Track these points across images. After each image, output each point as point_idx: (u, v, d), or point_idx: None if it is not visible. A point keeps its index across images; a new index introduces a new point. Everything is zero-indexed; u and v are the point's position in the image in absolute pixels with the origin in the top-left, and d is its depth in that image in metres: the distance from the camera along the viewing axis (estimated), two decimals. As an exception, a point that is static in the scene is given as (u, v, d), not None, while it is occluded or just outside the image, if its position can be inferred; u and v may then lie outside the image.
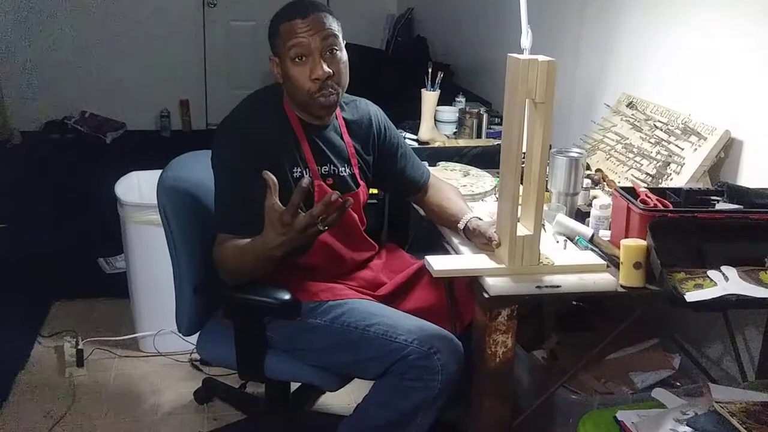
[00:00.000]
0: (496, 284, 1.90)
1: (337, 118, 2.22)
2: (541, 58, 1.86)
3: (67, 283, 3.73)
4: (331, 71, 2.03)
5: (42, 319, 3.42)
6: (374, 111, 2.33)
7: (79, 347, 3.05)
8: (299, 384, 2.55)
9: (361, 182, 2.25)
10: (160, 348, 3.16)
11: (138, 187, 3.27)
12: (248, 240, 1.94)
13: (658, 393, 2.04)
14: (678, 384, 2.29)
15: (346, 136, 2.22)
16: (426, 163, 2.52)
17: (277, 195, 1.81)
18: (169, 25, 6.61)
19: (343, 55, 2.09)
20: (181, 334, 2.33)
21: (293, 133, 2.11)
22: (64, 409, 2.79)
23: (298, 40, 2.01)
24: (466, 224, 2.14)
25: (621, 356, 2.42)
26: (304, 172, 2.09)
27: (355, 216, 2.23)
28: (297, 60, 2.03)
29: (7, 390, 2.89)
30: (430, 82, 3.32)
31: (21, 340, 3.24)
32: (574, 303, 2.60)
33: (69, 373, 3.00)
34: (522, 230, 1.96)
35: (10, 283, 3.69)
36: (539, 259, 1.97)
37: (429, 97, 3.33)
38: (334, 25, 2.06)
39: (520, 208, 1.99)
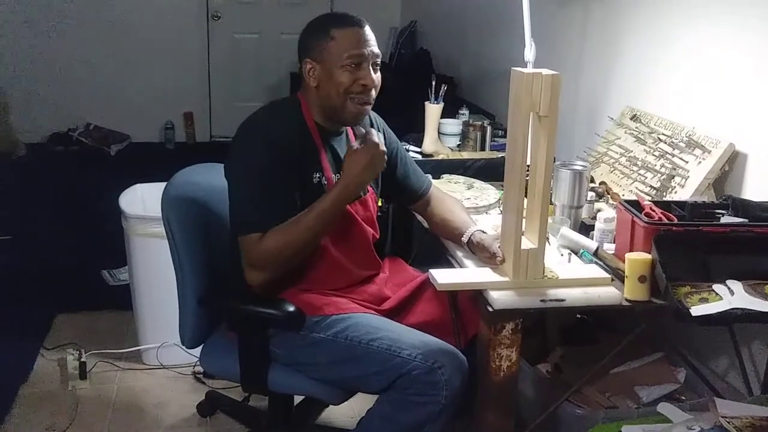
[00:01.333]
0: (500, 298, 1.90)
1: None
2: (545, 71, 1.86)
3: (71, 296, 3.72)
4: (377, 83, 2.11)
5: (45, 331, 3.41)
6: (373, 116, 2.34)
7: (82, 360, 3.04)
8: (302, 397, 2.54)
9: (370, 189, 2.25)
10: (164, 361, 3.15)
11: (142, 200, 3.27)
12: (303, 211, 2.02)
13: (664, 407, 2.04)
14: (683, 398, 2.29)
15: (355, 143, 2.22)
16: (429, 176, 2.52)
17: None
18: (173, 38, 6.63)
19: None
20: (184, 347, 2.32)
21: (311, 138, 2.12)
22: (67, 422, 2.78)
23: (359, 50, 2.06)
24: (470, 238, 2.14)
25: (625, 370, 2.42)
26: (322, 177, 2.11)
27: (367, 229, 2.23)
28: (349, 66, 2.06)
29: (9, 402, 2.88)
30: (433, 95, 3.32)
31: (24, 352, 3.23)
32: (578, 316, 2.60)
33: (72, 386, 2.99)
34: (526, 243, 1.96)
35: (14, 295, 3.69)
36: (544, 273, 1.97)
37: (432, 110, 3.33)
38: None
39: (524, 221, 1.99)
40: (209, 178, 2.34)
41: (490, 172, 3.03)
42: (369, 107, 2.13)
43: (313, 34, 2.11)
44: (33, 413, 2.84)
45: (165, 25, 6.58)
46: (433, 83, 3.31)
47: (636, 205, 2.12)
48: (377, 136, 2.05)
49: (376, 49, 2.10)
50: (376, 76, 2.11)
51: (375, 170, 2.06)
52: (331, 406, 2.55)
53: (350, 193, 2.04)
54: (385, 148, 2.06)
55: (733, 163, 2.43)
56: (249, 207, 2.03)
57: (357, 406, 2.43)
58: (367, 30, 2.11)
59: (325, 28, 2.09)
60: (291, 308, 2.03)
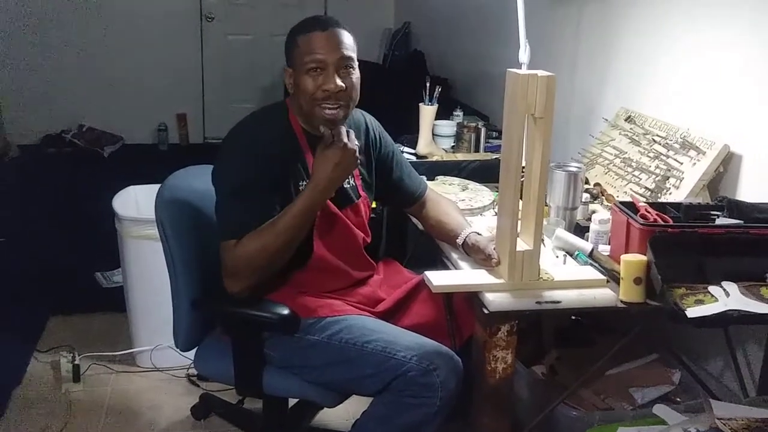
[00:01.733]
0: (495, 300, 1.89)
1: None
2: (540, 73, 1.86)
3: (64, 298, 3.71)
4: (343, 86, 2.05)
5: (39, 334, 3.39)
6: (369, 120, 2.33)
7: (76, 362, 3.03)
8: (297, 400, 2.53)
9: (363, 194, 2.25)
10: (158, 363, 3.14)
11: (135, 202, 3.26)
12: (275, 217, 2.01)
13: (660, 409, 2.03)
14: (678, 400, 2.29)
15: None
16: (424, 177, 2.51)
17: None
18: (167, 39, 6.62)
19: (357, 73, 2.11)
20: (178, 350, 2.31)
21: (298, 145, 2.12)
22: (61, 425, 2.77)
23: (316, 55, 2.03)
24: (464, 239, 2.13)
25: (621, 372, 2.41)
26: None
27: (358, 233, 2.23)
28: (312, 72, 2.04)
29: (3, 405, 2.87)
30: (428, 96, 3.32)
31: (17, 355, 3.22)
32: (573, 318, 2.59)
33: (65, 389, 2.99)
34: (522, 245, 1.96)
35: (7, 298, 3.66)
36: (539, 275, 1.96)
37: (427, 111, 3.33)
38: (351, 43, 2.09)
39: (519, 223, 1.99)
40: (203, 180, 2.32)
41: (485, 173, 3.02)
42: (341, 111, 2.07)
43: (287, 41, 2.12)
44: (26, 416, 2.83)
45: (158, 26, 6.58)
46: (428, 84, 3.31)
47: (631, 206, 2.12)
48: (346, 135, 2.02)
49: (344, 52, 2.05)
50: (346, 80, 2.06)
51: (345, 171, 2.03)
52: (325, 408, 2.54)
53: (321, 195, 2.00)
54: (355, 147, 2.01)
55: (727, 164, 2.43)
56: (228, 214, 2.04)
57: (352, 408, 2.43)
58: (334, 33, 2.05)
59: (294, 34, 2.10)
60: (285, 311, 2.02)
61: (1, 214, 4.69)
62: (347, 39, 2.08)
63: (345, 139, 2.00)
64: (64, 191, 5.27)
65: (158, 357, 3.12)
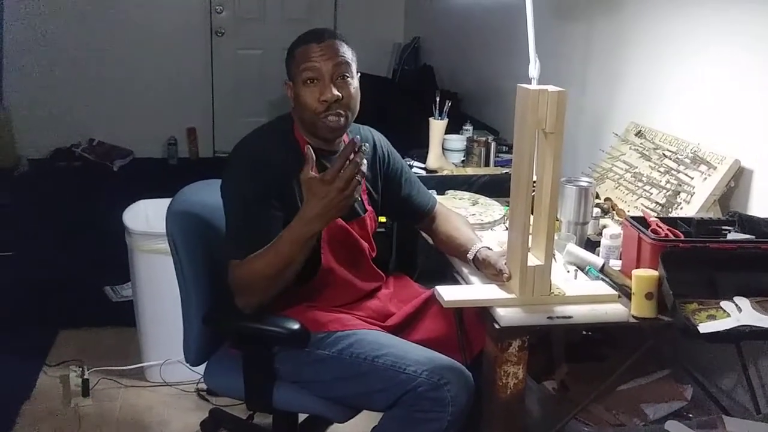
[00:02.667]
0: (507, 315, 1.89)
1: (344, 144, 2.22)
2: (551, 88, 1.86)
3: (73, 312, 3.72)
4: (339, 95, 2.05)
5: (48, 348, 3.40)
6: (378, 137, 2.34)
7: (85, 377, 3.03)
8: (307, 415, 2.52)
9: (369, 208, 2.25)
10: (167, 378, 3.14)
11: (146, 216, 3.26)
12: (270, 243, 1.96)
13: (672, 425, 2.02)
14: (691, 416, 2.27)
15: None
16: (434, 192, 2.52)
17: (314, 167, 1.88)
18: (177, 54, 6.65)
19: (355, 82, 2.11)
20: (188, 364, 2.31)
21: (302, 158, 2.11)
22: (70, 439, 2.78)
23: (310, 64, 2.05)
24: (475, 254, 2.13)
25: (632, 387, 2.40)
26: None
27: (364, 244, 2.23)
28: (308, 82, 2.06)
29: (12, 420, 2.87)
30: (437, 111, 3.32)
31: (26, 369, 3.22)
32: (584, 333, 2.58)
33: (74, 403, 2.98)
34: (533, 260, 1.95)
35: (16, 311, 3.69)
36: (550, 290, 1.96)
37: (437, 126, 3.33)
38: (348, 54, 2.10)
39: (530, 237, 1.98)
40: (213, 195, 2.32)
41: (495, 187, 3.02)
42: (342, 119, 2.09)
43: (287, 55, 2.14)
44: (35, 431, 2.82)
45: (169, 41, 6.60)
46: (437, 99, 3.31)
47: (642, 221, 2.11)
48: (348, 164, 1.84)
49: (341, 60, 2.06)
50: (344, 89, 2.06)
51: (335, 213, 1.90)
52: (335, 424, 2.53)
53: (307, 229, 1.90)
54: (353, 192, 1.86)
55: (738, 179, 2.43)
56: (234, 234, 2.05)
57: (362, 424, 2.41)
58: (330, 43, 2.07)
59: (291, 48, 2.12)
60: (295, 326, 2.02)
61: (10, 228, 4.71)
62: (344, 49, 2.09)
63: (339, 179, 1.84)
64: (74, 205, 5.28)
65: (168, 372, 3.12)
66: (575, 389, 2.40)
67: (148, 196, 3.36)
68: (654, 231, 2.05)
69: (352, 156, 1.83)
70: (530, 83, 2.99)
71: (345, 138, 2.20)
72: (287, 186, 2.06)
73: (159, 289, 2.99)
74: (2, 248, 4.37)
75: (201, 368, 2.30)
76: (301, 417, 2.48)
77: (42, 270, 4.18)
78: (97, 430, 2.85)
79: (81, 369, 3.07)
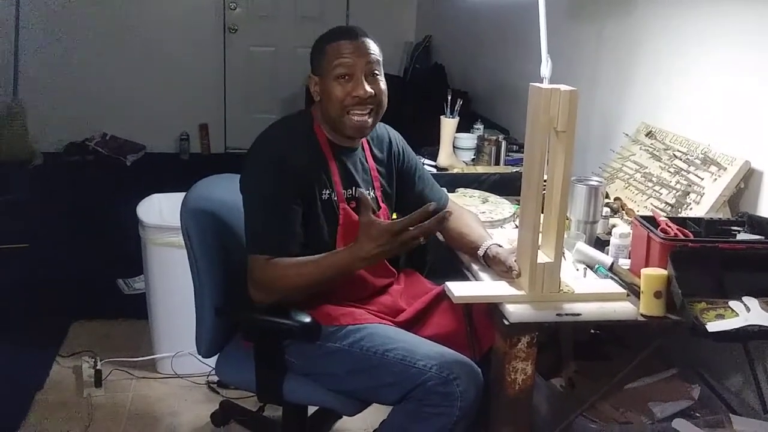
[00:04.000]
0: (516, 311, 1.91)
1: (362, 141, 2.25)
2: (563, 87, 1.87)
3: (87, 304, 3.76)
4: (372, 92, 2.09)
5: (61, 339, 3.44)
6: (393, 134, 2.37)
7: (98, 368, 3.07)
8: (316, 408, 2.55)
9: (383, 205, 2.27)
10: (178, 370, 3.17)
11: (159, 209, 3.30)
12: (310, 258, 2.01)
13: (679, 424, 2.04)
14: (698, 415, 2.28)
15: (370, 159, 2.26)
16: (445, 189, 2.53)
17: (371, 210, 1.94)
18: (190, 50, 6.69)
19: (384, 81, 2.16)
20: (200, 356, 2.33)
21: (322, 155, 2.14)
22: (82, 429, 2.81)
23: (344, 60, 2.08)
24: (485, 251, 2.15)
25: (640, 386, 2.41)
26: (332, 193, 2.12)
27: None
28: (340, 78, 2.09)
29: (25, 410, 2.91)
30: (449, 109, 3.34)
31: (40, 359, 3.26)
32: (592, 331, 2.59)
33: (87, 394, 3.02)
34: (542, 258, 1.97)
35: (30, 303, 3.73)
36: (559, 287, 1.97)
37: (448, 124, 3.35)
38: (378, 52, 2.15)
39: (540, 235, 2.00)
40: (227, 189, 2.36)
41: (505, 186, 3.04)
42: (371, 118, 2.13)
43: (314, 50, 2.16)
44: (48, 420, 2.86)
45: (182, 38, 6.65)
46: (449, 97, 3.33)
47: (652, 221, 2.13)
48: (416, 231, 1.91)
49: (372, 58, 2.11)
50: (375, 86, 2.11)
51: (388, 254, 1.97)
52: (344, 417, 2.56)
53: (357, 265, 1.99)
54: (409, 248, 1.97)
55: (748, 180, 2.44)
56: (259, 229, 2.06)
57: (370, 417, 2.44)
58: (362, 41, 2.11)
59: (322, 42, 2.14)
60: (307, 319, 2.04)
61: (24, 221, 4.76)
62: (374, 48, 2.13)
63: (406, 234, 1.91)
64: (87, 199, 5.33)
65: (179, 364, 3.16)
66: (583, 387, 2.41)
67: (160, 191, 3.39)
68: (663, 230, 2.07)
69: (427, 222, 1.90)
70: (541, 83, 3.01)
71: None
72: (308, 183, 2.09)
73: (171, 282, 3.02)
74: (17, 240, 4.41)
75: (211, 361, 2.33)
76: (311, 410, 2.51)
77: (56, 262, 4.23)
78: (108, 420, 2.88)
79: (94, 360, 3.10)
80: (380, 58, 2.15)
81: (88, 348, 3.30)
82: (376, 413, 2.19)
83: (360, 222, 1.95)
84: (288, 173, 2.05)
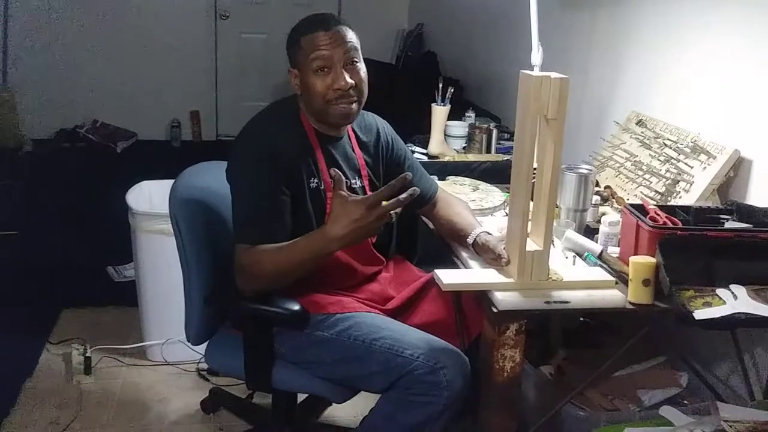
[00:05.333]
0: (504, 299, 1.91)
1: (348, 130, 2.24)
2: (554, 75, 1.87)
3: (76, 291, 3.75)
4: (353, 82, 2.07)
5: (51, 327, 3.43)
6: (381, 124, 2.35)
7: (87, 355, 3.07)
8: (306, 395, 2.55)
9: (369, 194, 2.26)
10: (168, 357, 3.17)
11: (149, 197, 3.29)
12: (287, 242, 1.98)
13: (666, 411, 2.05)
14: (686, 402, 2.29)
15: (356, 148, 2.25)
16: (435, 177, 2.53)
17: (344, 187, 1.90)
18: (181, 37, 6.66)
19: (363, 67, 2.13)
20: (189, 344, 2.33)
21: (309, 144, 2.14)
22: (71, 416, 2.80)
23: (321, 53, 2.05)
24: (475, 239, 2.14)
25: (628, 373, 2.43)
26: (320, 183, 2.11)
27: None
28: (319, 71, 2.07)
29: (14, 397, 2.90)
30: (440, 97, 3.33)
31: (29, 346, 3.26)
32: (582, 319, 2.60)
33: (76, 381, 3.02)
34: (531, 246, 1.97)
35: (20, 290, 3.72)
36: (548, 275, 1.98)
37: (439, 112, 3.34)
38: (354, 39, 2.11)
39: (530, 223, 2.00)
40: (216, 177, 2.35)
41: (496, 174, 3.04)
42: (355, 105, 2.11)
43: (289, 43, 2.14)
44: (37, 407, 2.86)
45: (173, 24, 6.62)
46: (440, 85, 3.32)
47: (641, 209, 2.13)
48: (391, 204, 1.88)
49: (350, 46, 2.08)
50: (355, 76, 2.09)
51: (365, 234, 1.93)
52: (334, 404, 2.56)
53: (328, 247, 1.93)
54: (383, 224, 1.91)
55: (738, 169, 2.44)
56: (246, 217, 2.05)
57: (361, 404, 2.44)
58: (337, 30, 2.07)
59: (295, 36, 2.12)
60: (296, 307, 2.04)
61: (14, 208, 4.75)
62: (351, 35, 2.10)
63: (381, 208, 1.88)
64: (77, 186, 5.31)
65: (169, 351, 3.16)
66: (572, 375, 2.42)
67: (151, 178, 3.38)
68: (652, 218, 2.07)
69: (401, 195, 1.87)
70: (533, 71, 3.00)
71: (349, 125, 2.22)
72: (296, 171, 2.08)
73: (161, 269, 3.01)
74: (6, 228, 4.40)
75: (201, 348, 2.33)
76: (301, 397, 2.51)
77: (45, 249, 4.22)
78: (98, 407, 2.88)
79: (83, 347, 3.10)
80: (358, 45, 2.12)
81: (78, 335, 3.30)
82: (366, 401, 2.19)
83: (333, 200, 1.91)
84: (276, 162, 2.04)
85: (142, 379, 3.09)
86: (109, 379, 3.07)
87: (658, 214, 2.10)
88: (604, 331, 2.61)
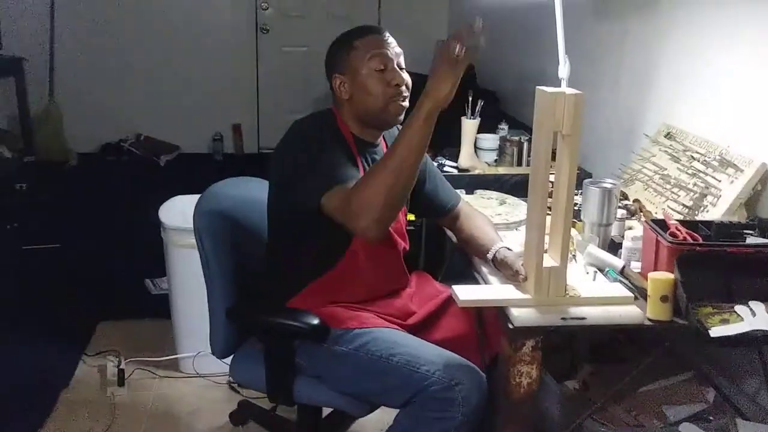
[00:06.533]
0: (520, 315, 1.91)
1: (381, 137, 2.27)
2: (569, 91, 1.87)
3: (115, 304, 3.82)
4: (409, 79, 2.15)
5: (88, 338, 3.50)
6: None
7: (121, 367, 3.12)
8: (331, 409, 2.57)
9: None
10: (200, 369, 3.21)
11: (182, 211, 3.32)
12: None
13: (686, 428, 2.02)
14: (711, 418, 2.26)
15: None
16: (464, 191, 2.53)
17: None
18: (223, 51, 6.76)
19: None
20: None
21: (350, 150, 2.15)
22: (104, 427, 2.86)
23: (381, 51, 2.12)
24: (494, 254, 2.14)
25: (655, 389, 2.40)
26: None
27: (399, 242, 2.26)
28: (377, 71, 2.11)
29: (51, 406, 2.97)
30: (470, 111, 3.34)
31: (67, 357, 3.33)
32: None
33: (110, 392, 3.07)
34: (548, 261, 1.97)
35: (59, 302, 3.81)
36: (566, 291, 1.97)
37: (468, 125, 3.34)
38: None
39: (547, 239, 2.00)
40: (241, 192, 2.40)
41: (526, 187, 3.01)
42: (407, 105, 2.14)
43: (337, 49, 2.17)
44: (72, 418, 2.92)
45: (215, 38, 6.72)
46: (470, 99, 3.32)
47: (662, 224, 2.11)
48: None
49: (398, 50, 2.16)
50: (405, 75, 2.15)
51: (449, 78, 1.88)
52: (359, 418, 2.57)
53: (428, 107, 1.84)
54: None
55: (765, 182, 2.41)
56: (316, 171, 1.98)
57: (387, 417, 2.45)
58: (388, 36, 2.17)
59: (347, 40, 2.16)
60: (315, 321, 2.07)
61: (58, 221, 4.87)
62: (395, 42, 2.19)
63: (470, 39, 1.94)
64: (120, 199, 5.41)
65: (200, 363, 3.20)
66: (596, 389, 2.40)
67: (193, 192, 3.40)
68: (672, 234, 2.05)
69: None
70: (560, 84, 3.00)
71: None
72: None
73: (192, 283, 3.03)
74: (49, 240, 4.51)
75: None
76: (326, 411, 2.53)
77: (86, 262, 4.31)
78: (130, 418, 2.93)
79: (118, 359, 3.16)
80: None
81: (113, 347, 3.36)
82: (391, 415, 2.19)
83: (439, 67, 1.86)
84: (327, 152, 2.04)
85: (173, 391, 3.14)
86: (142, 391, 3.12)
87: (678, 230, 2.08)
88: (634, 347, 2.58)
